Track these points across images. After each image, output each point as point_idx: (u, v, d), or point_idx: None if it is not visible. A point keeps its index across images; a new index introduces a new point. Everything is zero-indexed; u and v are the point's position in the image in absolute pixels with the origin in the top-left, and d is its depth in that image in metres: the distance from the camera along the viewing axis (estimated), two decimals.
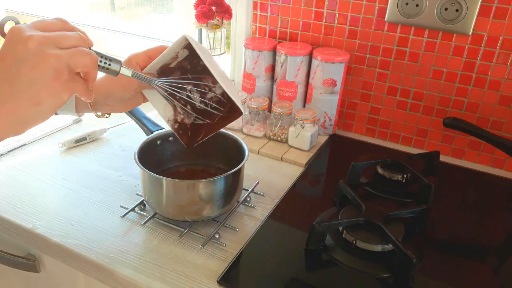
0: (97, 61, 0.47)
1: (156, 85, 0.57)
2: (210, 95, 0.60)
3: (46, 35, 0.44)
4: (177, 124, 0.62)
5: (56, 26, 0.46)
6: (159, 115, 0.63)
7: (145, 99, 0.63)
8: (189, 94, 0.60)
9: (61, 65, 0.43)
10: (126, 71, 0.52)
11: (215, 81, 0.58)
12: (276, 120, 0.95)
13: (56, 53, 0.43)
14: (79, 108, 0.64)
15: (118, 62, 0.51)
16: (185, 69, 0.59)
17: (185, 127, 0.62)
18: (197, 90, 0.60)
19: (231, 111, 0.59)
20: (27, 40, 0.42)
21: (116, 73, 0.51)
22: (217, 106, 0.60)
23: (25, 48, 0.42)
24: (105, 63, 0.50)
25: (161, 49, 0.59)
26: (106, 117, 0.67)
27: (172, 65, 0.59)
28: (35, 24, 0.45)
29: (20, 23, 0.51)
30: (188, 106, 0.61)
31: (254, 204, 0.76)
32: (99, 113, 0.65)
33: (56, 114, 0.66)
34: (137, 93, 0.61)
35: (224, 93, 0.58)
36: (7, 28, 0.52)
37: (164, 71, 0.60)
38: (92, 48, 0.48)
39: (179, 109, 0.61)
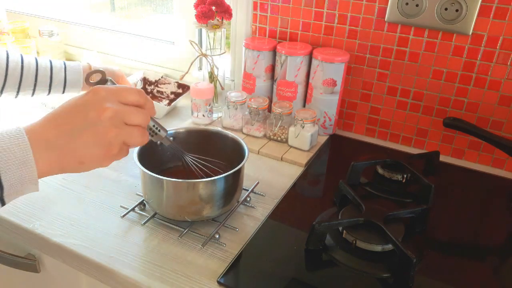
0: (146, 141, 0.51)
1: (185, 158, 0.68)
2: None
3: (120, 111, 0.47)
4: None
5: (132, 99, 0.49)
6: None
7: None
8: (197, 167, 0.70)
9: (117, 142, 0.48)
10: (166, 141, 0.59)
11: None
12: (276, 120, 0.94)
13: (118, 130, 0.47)
14: (87, 89, 0.67)
15: (165, 131, 0.57)
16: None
17: None
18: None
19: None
20: (103, 112, 0.46)
21: (158, 141, 0.57)
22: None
23: (98, 118, 0.46)
24: (153, 131, 0.56)
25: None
26: None
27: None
28: (117, 93, 0.48)
29: (106, 77, 0.56)
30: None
31: (254, 204, 0.76)
32: None
33: (63, 93, 0.73)
34: None
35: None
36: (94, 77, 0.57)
37: None
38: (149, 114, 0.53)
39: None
